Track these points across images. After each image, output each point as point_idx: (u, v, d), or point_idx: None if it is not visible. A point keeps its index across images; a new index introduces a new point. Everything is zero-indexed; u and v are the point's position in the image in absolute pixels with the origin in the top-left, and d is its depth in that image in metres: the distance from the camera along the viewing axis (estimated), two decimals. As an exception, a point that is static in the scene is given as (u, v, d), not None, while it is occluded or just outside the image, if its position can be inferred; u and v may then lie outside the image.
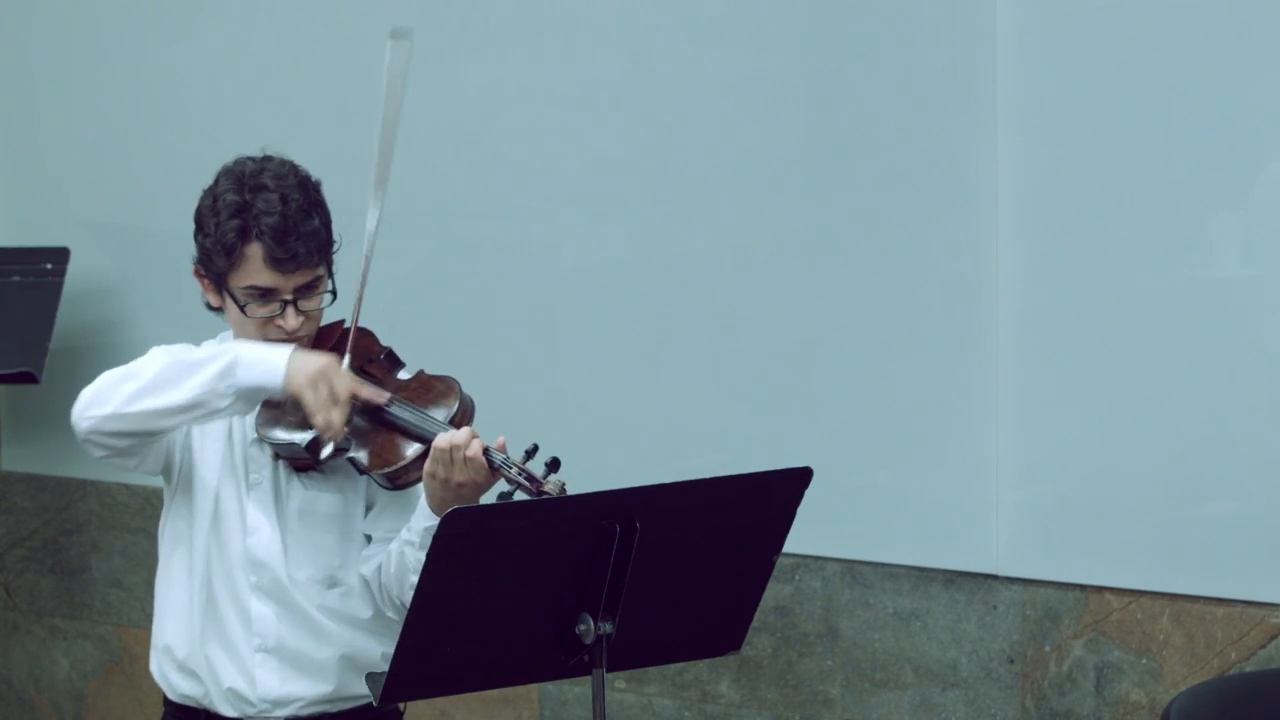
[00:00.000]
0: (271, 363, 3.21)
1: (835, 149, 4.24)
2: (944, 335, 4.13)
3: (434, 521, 3.18)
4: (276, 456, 3.34)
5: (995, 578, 4.14)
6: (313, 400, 3.19)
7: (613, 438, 4.49)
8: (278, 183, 3.31)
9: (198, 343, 3.44)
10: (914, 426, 4.18)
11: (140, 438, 3.26)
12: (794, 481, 3.07)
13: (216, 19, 4.97)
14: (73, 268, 4.97)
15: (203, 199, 3.37)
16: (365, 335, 3.40)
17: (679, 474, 3.09)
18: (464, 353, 4.55)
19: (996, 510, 4.11)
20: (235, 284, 3.30)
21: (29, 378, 4.83)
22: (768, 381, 4.34)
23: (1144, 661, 4.00)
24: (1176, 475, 3.93)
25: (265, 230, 3.26)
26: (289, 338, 3.30)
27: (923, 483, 4.18)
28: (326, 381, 3.20)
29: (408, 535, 3.26)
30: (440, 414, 3.25)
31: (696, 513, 3.03)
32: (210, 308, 3.40)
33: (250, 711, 3.38)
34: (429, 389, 3.32)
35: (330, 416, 3.20)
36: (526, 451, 3.14)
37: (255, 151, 3.42)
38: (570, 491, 3.10)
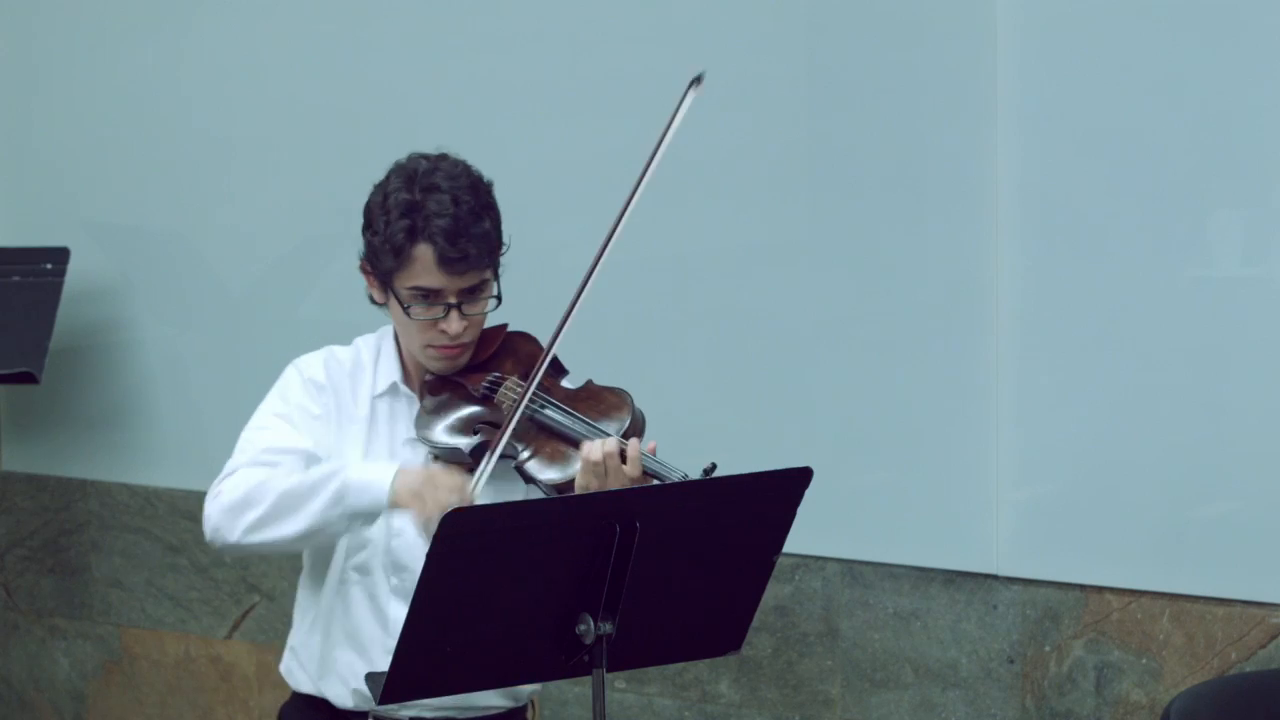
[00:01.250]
0: (378, 484, 3.19)
1: (835, 149, 4.24)
2: (944, 335, 4.13)
3: None
4: (435, 458, 3.30)
5: (995, 578, 4.14)
6: (420, 515, 3.16)
7: (613, 438, 4.49)
8: (450, 183, 3.28)
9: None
10: (914, 426, 4.19)
11: (271, 553, 3.29)
12: (794, 481, 3.07)
13: (217, 19, 4.97)
14: (73, 268, 4.97)
15: (372, 195, 3.33)
16: (529, 342, 3.36)
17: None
18: (464, 353, 4.55)
19: (996, 510, 4.11)
20: (401, 284, 3.27)
21: (29, 378, 4.83)
22: (768, 382, 4.35)
23: (1144, 661, 4.00)
24: (1176, 475, 3.93)
25: (436, 231, 3.23)
26: (452, 342, 3.28)
27: (923, 483, 4.18)
28: (431, 490, 3.16)
29: None
30: (612, 427, 3.21)
31: (696, 513, 3.03)
32: (374, 302, 3.36)
33: (375, 710, 3.35)
34: (600, 400, 3.28)
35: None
36: (705, 470, 3.09)
37: (431, 149, 3.36)
38: None
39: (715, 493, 3.03)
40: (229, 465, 3.31)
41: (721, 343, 4.39)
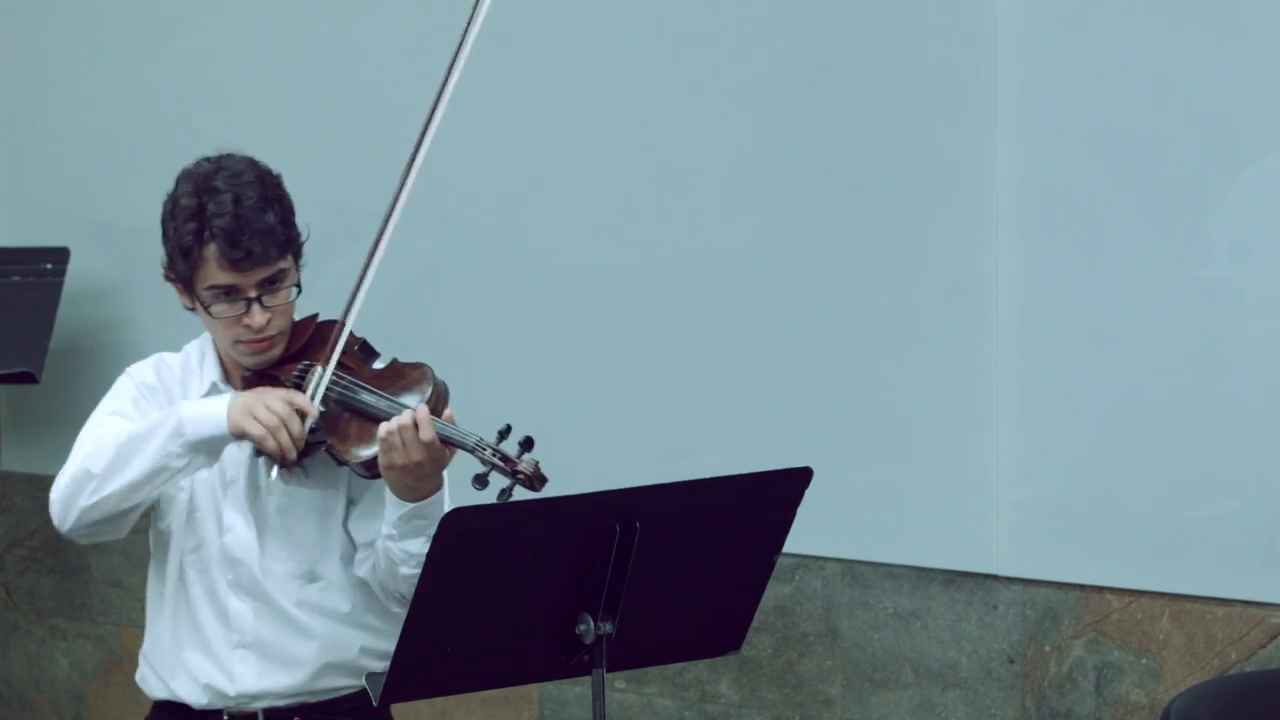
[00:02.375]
0: (213, 412, 3.26)
1: (835, 149, 4.23)
2: (944, 335, 4.13)
3: (404, 509, 3.22)
4: (258, 453, 3.34)
5: (995, 578, 4.14)
6: (256, 430, 3.23)
7: (613, 438, 4.49)
8: (230, 182, 3.34)
9: (177, 348, 3.47)
10: (914, 426, 4.18)
11: (119, 516, 3.32)
12: (794, 481, 3.07)
13: (217, 18, 4.97)
14: (73, 268, 4.97)
15: (164, 204, 3.42)
16: (333, 327, 3.40)
17: (679, 474, 3.09)
18: (463, 352, 4.55)
19: (996, 510, 4.11)
20: (199, 285, 3.33)
21: (29, 378, 4.83)
22: (768, 381, 4.34)
23: (1144, 661, 4.00)
24: (1176, 475, 3.93)
25: (218, 231, 3.29)
26: (258, 335, 3.32)
27: (923, 483, 4.18)
28: (261, 404, 3.23)
29: (386, 529, 3.28)
30: (413, 399, 3.26)
31: (696, 513, 3.03)
32: (188, 309, 3.42)
33: (228, 705, 3.41)
34: (401, 375, 3.33)
35: (280, 439, 3.23)
36: (500, 432, 3.15)
37: (214, 151, 3.43)
38: (550, 478, 3.11)
39: (715, 493, 3.03)
40: (69, 459, 3.36)
41: (721, 342, 4.39)
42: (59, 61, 5.21)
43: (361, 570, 3.38)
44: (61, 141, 5.23)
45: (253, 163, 3.40)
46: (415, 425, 3.15)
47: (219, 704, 3.40)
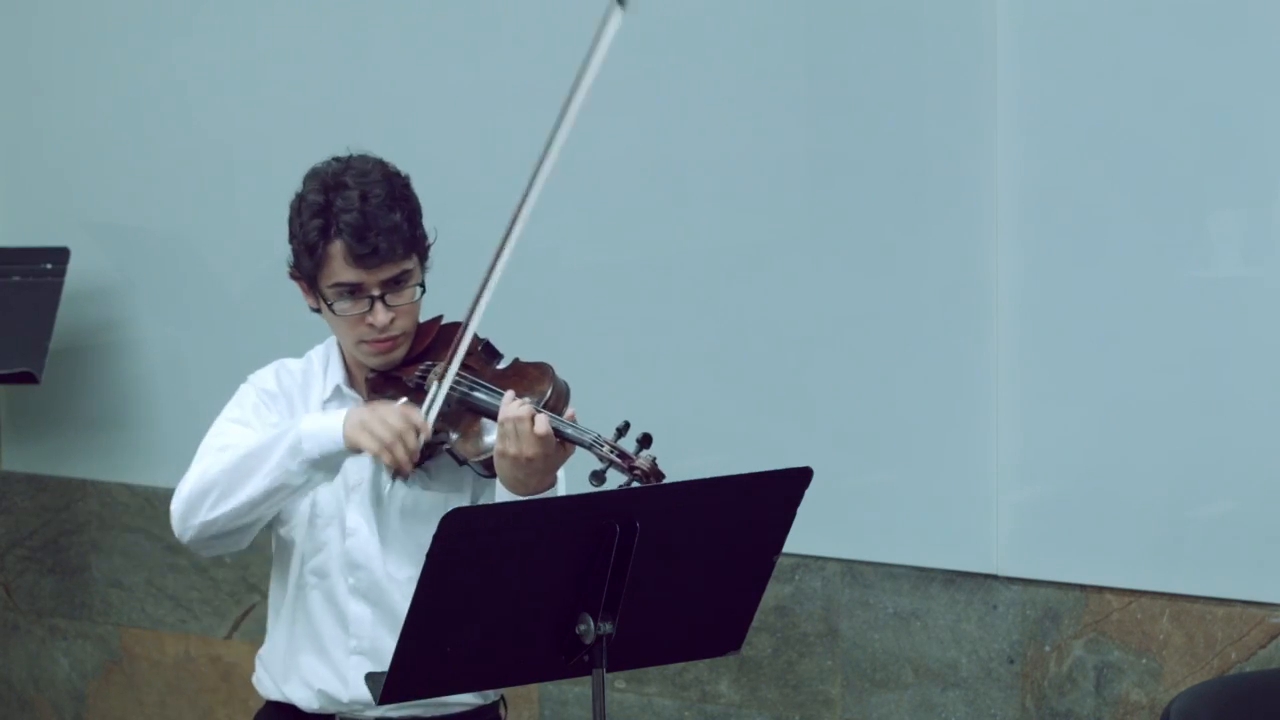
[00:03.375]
0: (330, 428, 3.24)
1: (835, 149, 4.24)
2: (944, 335, 4.13)
3: (513, 499, 3.19)
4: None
5: (995, 578, 4.14)
6: (371, 445, 3.21)
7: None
8: (358, 179, 3.33)
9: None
10: (914, 426, 4.19)
11: (240, 530, 3.31)
12: (794, 481, 3.07)
13: (217, 18, 4.97)
14: (73, 268, 4.97)
15: (291, 203, 3.39)
16: (458, 329, 3.39)
17: (679, 474, 3.09)
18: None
19: (996, 510, 4.11)
20: (324, 283, 3.32)
21: (29, 378, 4.83)
22: (768, 381, 4.34)
23: (1144, 661, 4.00)
24: (1176, 475, 3.93)
25: (344, 227, 3.28)
26: (382, 335, 3.32)
27: (923, 483, 4.18)
28: (377, 419, 3.21)
29: None
30: (532, 399, 3.23)
31: (696, 513, 3.03)
32: (313, 310, 3.41)
33: (340, 710, 3.39)
34: (523, 375, 3.32)
35: (395, 454, 3.20)
36: (618, 429, 3.14)
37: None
38: (660, 467, 3.10)
39: (715, 493, 3.03)
40: (190, 469, 3.35)
41: (721, 342, 4.39)
42: (59, 61, 5.21)
43: None
44: (61, 141, 5.23)
45: (381, 163, 3.39)
46: (530, 418, 3.13)
47: (331, 709, 3.39)
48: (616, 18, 3.29)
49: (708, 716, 4.47)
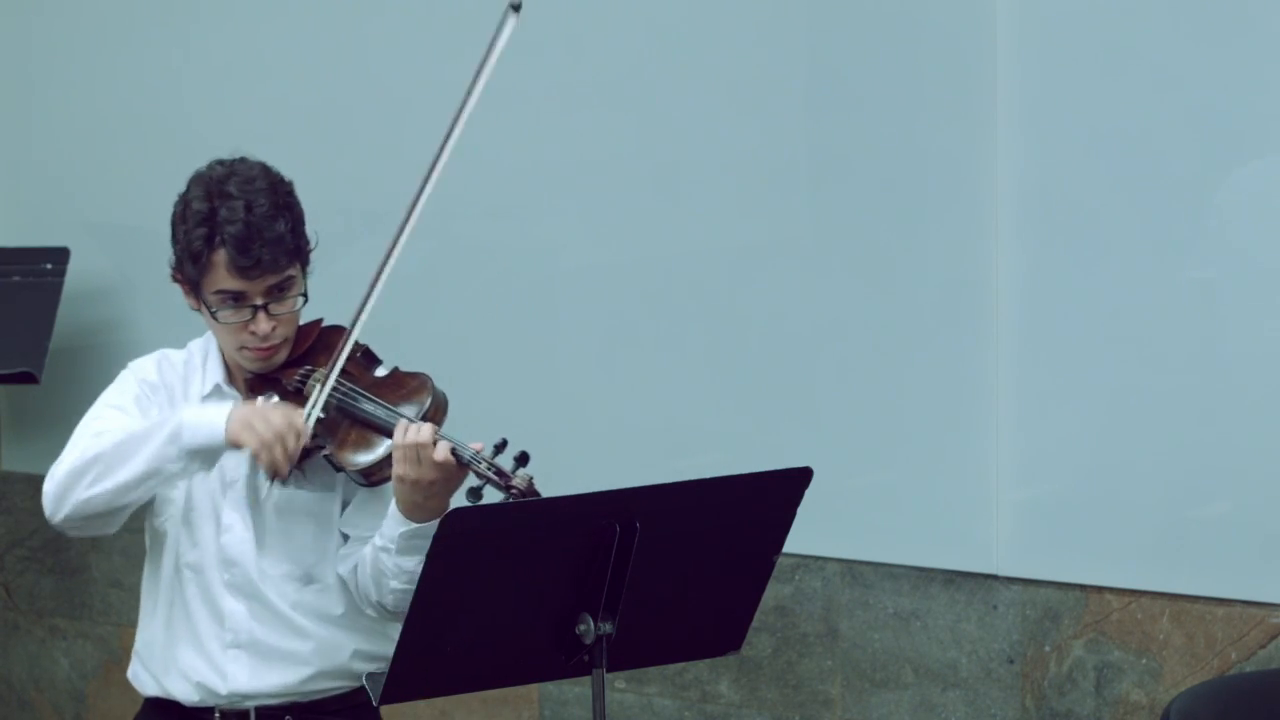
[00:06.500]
0: (212, 421, 3.26)
1: (835, 149, 4.24)
2: (944, 335, 4.13)
3: (407, 527, 3.23)
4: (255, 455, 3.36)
5: (995, 578, 4.14)
6: (251, 442, 3.23)
7: (613, 438, 4.49)
8: (243, 188, 3.34)
9: (179, 346, 3.48)
10: (914, 426, 4.18)
11: (112, 513, 3.32)
12: (794, 481, 3.07)
13: (217, 19, 4.97)
14: (73, 268, 4.97)
15: (175, 206, 3.42)
16: (338, 332, 3.40)
17: (679, 474, 3.09)
18: (463, 353, 4.55)
19: (996, 510, 4.11)
20: (206, 290, 3.34)
21: (29, 378, 4.83)
22: (768, 381, 4.34)
23: (1144, 661, 4.00)
24: (1176, 475, 3.93)
25: (228, 238, 3.29)
26: (263, 343, 3.33)
27: (923, 483, 4.18)
28: (262, 420, 3.23)
29: (381, 541, 3.29)
30: (411, 410, 3.27)
31: (696, 513, 3.03)
32: (194, 309, 3.43)
33: (219, 703, 3.42)
34: (401, 385, 3.34)
35: (273, 454, 3.23)
36: (496, 446, 3.16)
37: (229, 153, 3.43)
38: (542, 488, 3.12)
39: (715, 493, 3.03)
40: (67, 448, 3.36)
41: (721, 343, 4.39)
42: (59, 62, 5.22)
43: (343, 568, 3.38)
44: (61, 141, 5.23)
45: (265, 169, 3.40)
46: (432, 443, 3.15)
47: (210, 702, 3.42)
48: (511, 23, 3.31)
49: (708, 716, 4.47)
